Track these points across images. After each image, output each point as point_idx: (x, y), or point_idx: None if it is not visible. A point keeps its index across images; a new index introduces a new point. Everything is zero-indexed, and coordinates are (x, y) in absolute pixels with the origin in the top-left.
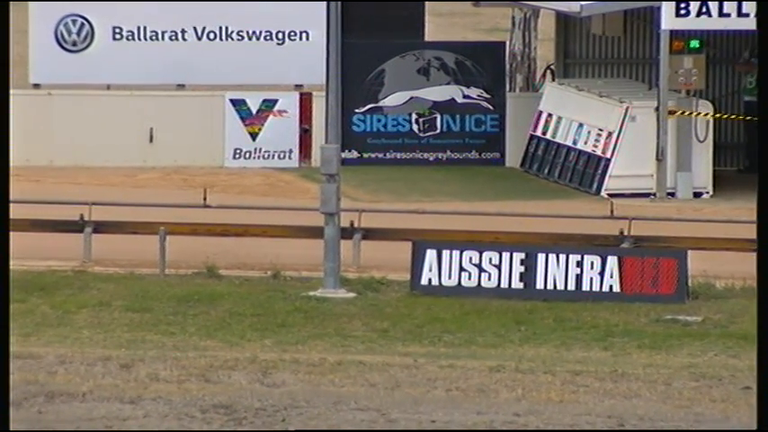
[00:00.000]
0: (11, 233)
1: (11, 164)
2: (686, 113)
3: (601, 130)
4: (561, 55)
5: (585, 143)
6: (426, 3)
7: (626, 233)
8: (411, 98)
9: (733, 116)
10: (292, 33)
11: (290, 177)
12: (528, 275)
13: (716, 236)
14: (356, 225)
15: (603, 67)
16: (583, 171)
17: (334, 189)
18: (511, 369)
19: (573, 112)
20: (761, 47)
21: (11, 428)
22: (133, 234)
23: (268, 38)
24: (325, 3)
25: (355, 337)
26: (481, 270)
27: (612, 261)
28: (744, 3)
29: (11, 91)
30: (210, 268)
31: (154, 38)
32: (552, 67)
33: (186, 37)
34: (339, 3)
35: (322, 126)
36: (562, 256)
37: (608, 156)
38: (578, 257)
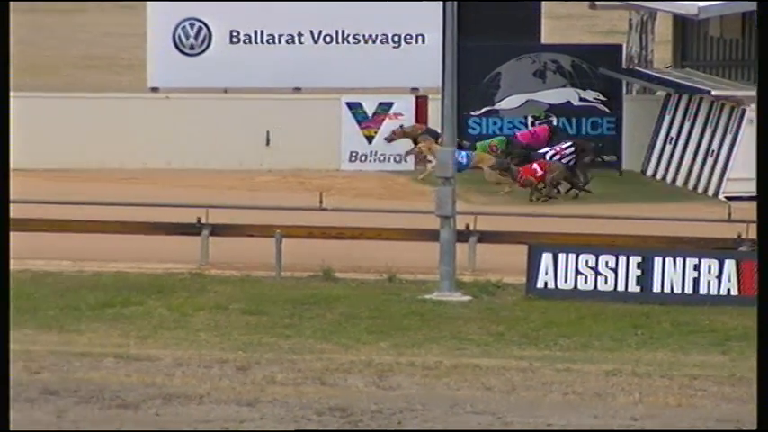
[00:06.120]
0: (128, 236)
1: (128, 167)
2: None
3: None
4: (678, 57)
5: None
6: (543, 3)
7: (744, 237)
8: (527, 101)
9: None
10: (408, 36)
11: (405, 180)
12: (644, 279)
13: None
14: (472, 228)
15: (721, 69)
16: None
17: (450, 192)
18: (628, 373)
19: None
20: (761, 47)
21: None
22: (249, 237)
23: (384, 41)
24: (441, 4)
25: (471, 340)
26: (597, 273)
27: (730, 264)
28: None
29: (129, 94)
30: (326, 271)
31: (271, 41)
32: (670, 69)
33: (303, 40)
34: (455, 4)
35: (438, 129)
36: (679, 260)
37: (726, 158)
38: (695, 261)
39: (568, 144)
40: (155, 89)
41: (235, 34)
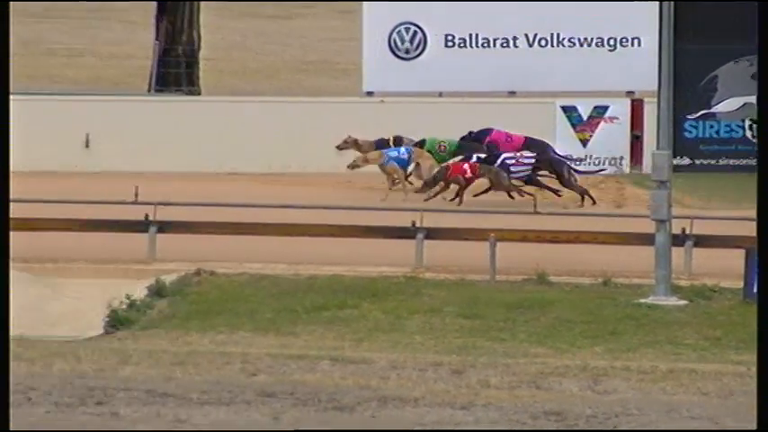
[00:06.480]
0: (343, 239)
1: (343, 171)
2: None
3: None
4: None
5: None
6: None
7: None
8: (744, 104)
9: None
10: (624, 40)
11: (620, 184)
12: None
13: None
14: (688, 232)
15: None
16: None
17: (666, 196)
18: None
19: None
20: (760, 46)
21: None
22: (464, 240)
23: (599, 44)
24: (657, 5)
25: (687, 345)
26: None
27: None
28: None
29: (345, 99)
30: (540, 275)
31: (485, 45)
32: None
33: (518, 44)
34: (672, 5)
35: (653, 132)
36: None
37: None
38: None
39: (530, 155)
40: (370, 93)
41: (450, 38)
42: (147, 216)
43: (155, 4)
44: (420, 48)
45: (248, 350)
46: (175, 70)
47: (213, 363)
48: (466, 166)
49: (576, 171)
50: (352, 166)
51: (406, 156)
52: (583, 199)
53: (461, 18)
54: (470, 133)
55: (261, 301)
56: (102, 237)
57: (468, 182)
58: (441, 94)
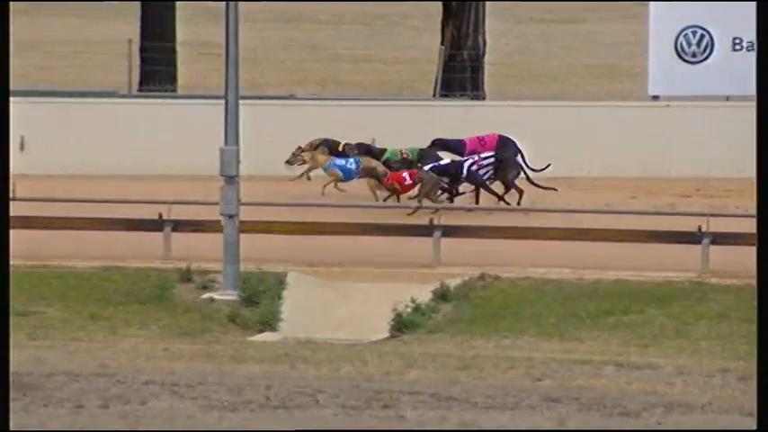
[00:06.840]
0: (627, 243)
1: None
2: None
3: None
4: None
5: None
6: None
7: None
8: None
9: None
10: None
11: None
12: None
13: None
14: None
15: None
16: None
17: None
18: None
19: None
20: (759, 45)
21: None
22: (751, 246)
23: None
24: None
25: None
26: None
27: None
28: None
29: (628, 103)
30: None
31: None
32: None
33: None
34: None
35: None
36: None
37: None
38: None
39: (489, 155)
40: (655, 97)
41: (737, 41)
42: (431, 220)
43: (441, 9)
44: (707, 51)
45: (532, 355)
46: (460, 75)
47: (498, 367)
48: (405, 174)
49: (528, 179)
50: (294, 160)
51: (353, 166)
52: (520, 199)
53: (749, 20)
54: (437, 140)
55: (545, 306)
56: (387, 240)
57: (405, 189)
58: (728, 99)
